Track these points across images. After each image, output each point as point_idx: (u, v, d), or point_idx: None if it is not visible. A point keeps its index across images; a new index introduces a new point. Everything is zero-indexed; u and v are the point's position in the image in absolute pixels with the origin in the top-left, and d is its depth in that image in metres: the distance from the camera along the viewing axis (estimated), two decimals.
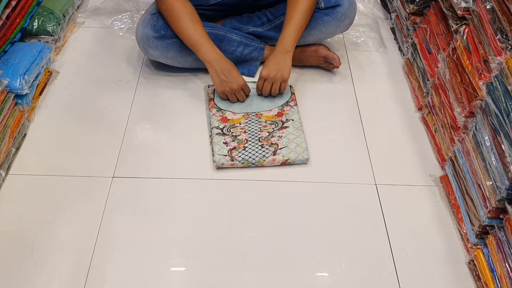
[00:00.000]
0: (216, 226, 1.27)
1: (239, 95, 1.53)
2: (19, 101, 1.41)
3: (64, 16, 1.75)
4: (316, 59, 1.71)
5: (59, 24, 1.70)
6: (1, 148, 1.30)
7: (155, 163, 1.40)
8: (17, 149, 1.40)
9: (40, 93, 1.56)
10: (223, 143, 1.42)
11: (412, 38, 1.68)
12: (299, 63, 1.70)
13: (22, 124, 1.42)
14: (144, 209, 1.29)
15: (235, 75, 1.50)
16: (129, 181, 1.35)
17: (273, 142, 1.43)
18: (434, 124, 1.48)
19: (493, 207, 1.11)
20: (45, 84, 1.59)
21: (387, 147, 1.50)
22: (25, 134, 1.44)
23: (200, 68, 1.65)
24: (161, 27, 1.53)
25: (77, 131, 1.48)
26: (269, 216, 1.30)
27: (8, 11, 1.50)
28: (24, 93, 1.41)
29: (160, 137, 1.49)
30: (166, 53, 1.58)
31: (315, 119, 1.56)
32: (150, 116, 1.54)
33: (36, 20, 1.65)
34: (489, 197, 1.12)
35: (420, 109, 1.60)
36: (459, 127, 1.30)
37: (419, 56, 1.61)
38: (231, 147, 1.41)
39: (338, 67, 1.70)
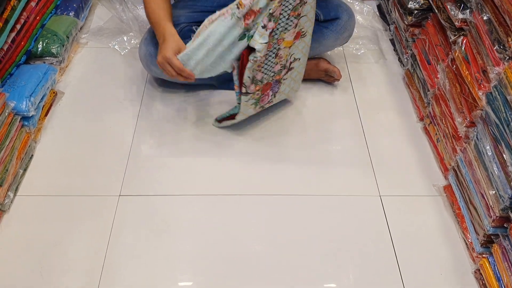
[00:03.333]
0: (223, 241, 1.28)
1: (166, 69, 1.36)
2: (26, 123, 1.43)
3: (68, 37, 1.78)
4: (317, 72, 1.73)
5: (63, 46, 1.73)
6: (9, 170, 1.32)
7: (161, 180, 1.42)
8: (25, 170, 1.42)
9: (46, 114, 1.58)
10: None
11: (411, 49, 1.70)
12: None
13: (29, 146, 1.44)
14: (151, 226, 1.30)
15: (164, 46, 1.36)
16: (136, 199, 1.37)
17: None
18: (436, 134, 1.49)
19: (497, 216, 1.11)
20: (51, 105, 1.62)
21: (390, 157, 1.51)
22: (32, 155, 1.46)
23: (203, 84, 1.67)
24: None
25: (83, 150, 1.50)
26: (275, 230, 1.31)
27: (13, 34, 1.52)
28: (31, 115, 1.43)
29: (166, 154, 1.50)
30: None
31: (318, 132, 1.58)
32: (155, 133, 1.56)
33: (41, 42, 1.68)
34: (492, 206, 1.13)
35: (421, 119, 1.62)
36: (461, 137, 1.31)
37: (419, 67, 1.63)
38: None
39: (339, 80, 1.72)
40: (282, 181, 1.42)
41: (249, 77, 1.36)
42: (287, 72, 1.48)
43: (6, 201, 1.31)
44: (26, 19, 1.60)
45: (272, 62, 1.40)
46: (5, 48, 1.48)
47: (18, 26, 1.56)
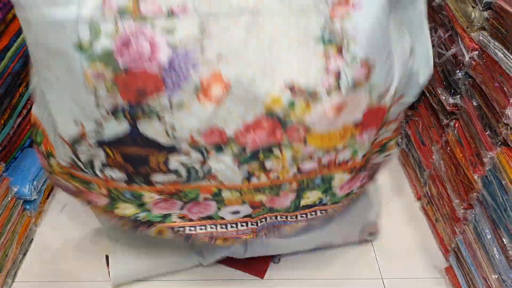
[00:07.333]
0: None
1: None
2: (27, 207, 1.44)
3: None
4: None
5: None
6: (8, 255, 1.31)
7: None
8: (24, 254, 1.41)
9: (47, 197, 1.59)
10: None
11: (405, 130, 1.75)
12: None
13: (30, 229, 1.44)
14: None
15: None
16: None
17: None
18: (435, 214, 1.50)
19: None
20: (52, 188, 1.63)
21: (390, 238, 1.51)
22: (32, 239, 1.46)
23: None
24: None
25: (82, 234, 1.49)
26: None
27: (19, 119, 1.57)
28: (33, 198, 1.44)
29: None
30: None
31: None
32: None
33: None
34: None
35: (419, 198, 1.63)
36: (459, 218, 1.32)
37: (414, 147, 1.67)
38: None
39: None
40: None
41: None
42: None
43: None
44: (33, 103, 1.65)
45: None
46: (11, 133, 1.52)
47: (25, 111, 1.60)
